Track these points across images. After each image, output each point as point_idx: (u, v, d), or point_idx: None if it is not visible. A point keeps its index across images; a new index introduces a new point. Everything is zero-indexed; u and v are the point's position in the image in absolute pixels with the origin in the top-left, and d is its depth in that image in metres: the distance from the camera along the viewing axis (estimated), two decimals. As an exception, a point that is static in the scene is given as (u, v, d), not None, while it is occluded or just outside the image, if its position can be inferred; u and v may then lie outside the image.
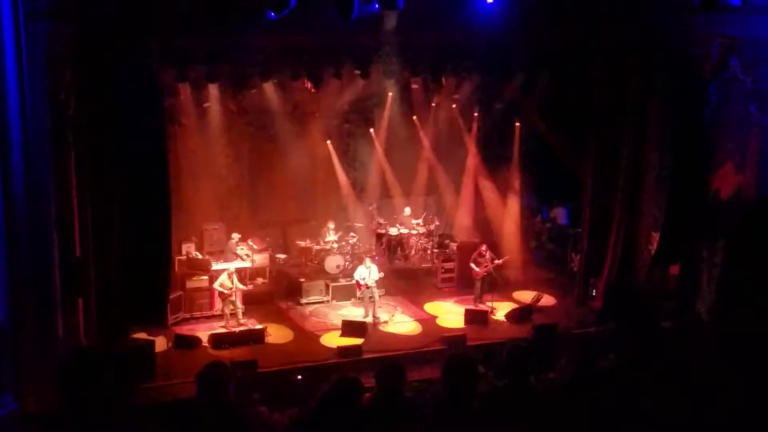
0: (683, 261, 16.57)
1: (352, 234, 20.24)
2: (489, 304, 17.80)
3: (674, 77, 15.62)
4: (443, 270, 19.59)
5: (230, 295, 16.43)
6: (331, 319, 17.19)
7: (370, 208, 21.12)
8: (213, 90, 17.43)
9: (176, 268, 17.25)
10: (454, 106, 20.80)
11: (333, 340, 15.99)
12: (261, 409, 10.75)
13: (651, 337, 14.91)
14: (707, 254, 16.03)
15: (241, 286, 16.79)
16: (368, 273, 17.18)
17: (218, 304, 16.86)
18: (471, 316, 17.08)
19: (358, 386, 5.91)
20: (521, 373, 6.24)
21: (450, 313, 17.82)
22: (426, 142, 21.21)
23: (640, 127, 16.61)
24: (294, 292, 18.46)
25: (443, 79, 17.87)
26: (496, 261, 18.13)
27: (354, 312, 17.52)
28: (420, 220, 20.94)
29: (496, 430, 5.55)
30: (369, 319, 16.91)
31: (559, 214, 20.96)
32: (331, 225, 19.96)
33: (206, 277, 17.33)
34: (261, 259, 19.08)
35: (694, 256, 16.24)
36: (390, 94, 19.92)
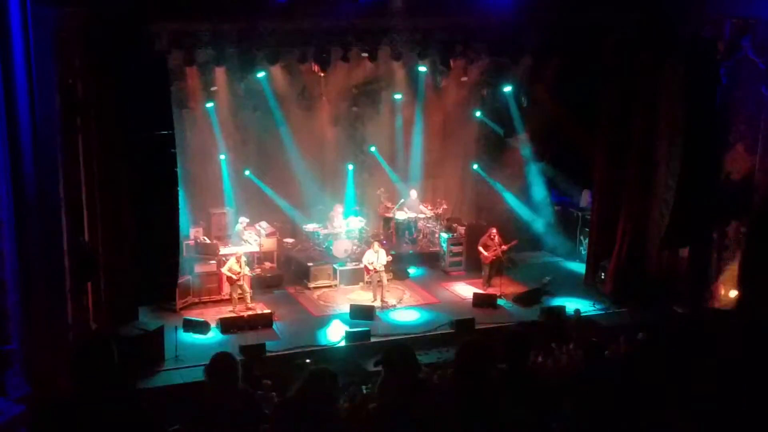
0: (693, 244, 16.49)
1: (360, 218, 20.22)
2: (497, 287, 17.75)
3: (685, 58, 15.51)
4: (451, 254, 19.57)
5: (238, 280, 16.43)
6: (339, 304, 17.20)
7: (378, 192, 21.09)
8: (220, 74, 17.36)
9: (184, 253, 17.26)
10: (462, 88, 20.67)
11: (341, 324, 15.99)
12: (272, 394, 10.82)
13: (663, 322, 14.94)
14: (717, 236, 15.97)
15: (248, 271, 16.79)
16: (376, 257, 17.16)
17: (226, 288, 16.88)
18: (479, 300, 17.08)
19: (330, 376, 5.91)
20: (519, 359, 6.14)
21: (458, 297, 17.81)
22: (434, 125, 21.12)
23: (651, 109, 16.51)
24: (302, 276, 18.47)
25: (451, 62, 17.73)
26: (505, 245, 18.08)
27: (362, 296, 17.52)
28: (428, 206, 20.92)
29: (501, 416, 5.51)
30: (377, 303, 16.91)
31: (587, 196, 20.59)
32: (339, 209, 19.94)
33: (214, 262, 17.35)
34: (269, 243, 19.08)
35: (705, 239, 16.17)
36: (398, 76, 19.81)
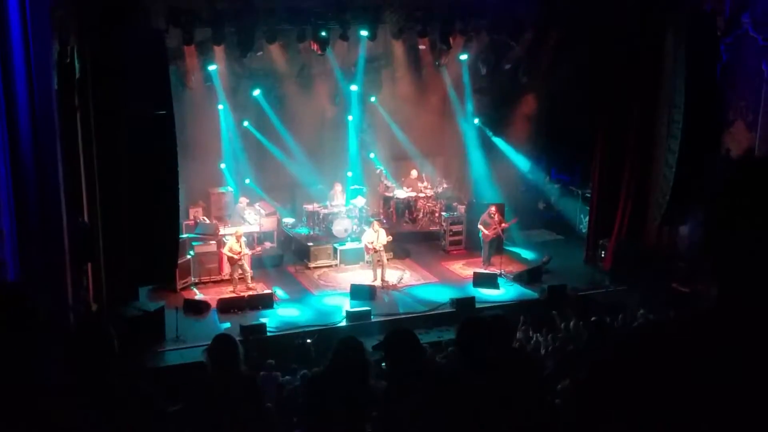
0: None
1: (360, 197, 20.16)
2: (497, 265, 17.72)
3: (686, 34, 15.41)
4: (451, 232, 19.53)
5: (239, 260, 16.40)
6: (340, 283, 17.18)
7: (378, 170, 21.03)
8: (219, 52, 17.25)
9: (184, 233, 17.21)
10: (461, 66, 20.52)
11: (341, 303, 15.98)
12: (275, 374, 10.82)
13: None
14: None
15: (248, 251, 16.76)
16: (376, 236, 17.10)
17: (227, 268, 16.85)
18: (480, 278, 17.06)
19: (361, 346, 5.89)
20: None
21: (458, 276, 17.81)
22: (433, 103, 21.02)
23: (651, 85, 16.44)
24: (302, 256, 18.46)
25: (451, 39, 17.63)
26: (504, 223, 18.05)
27: (362, 276, 17.50)
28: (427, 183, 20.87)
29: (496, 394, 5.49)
30: (377, 283, 16.89)
31: None
32: (339, 188, 19.89)
33: (214, 242, 17.32)
34: (269, 223, 19.05)
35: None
36: (397, 54, 19.68)
